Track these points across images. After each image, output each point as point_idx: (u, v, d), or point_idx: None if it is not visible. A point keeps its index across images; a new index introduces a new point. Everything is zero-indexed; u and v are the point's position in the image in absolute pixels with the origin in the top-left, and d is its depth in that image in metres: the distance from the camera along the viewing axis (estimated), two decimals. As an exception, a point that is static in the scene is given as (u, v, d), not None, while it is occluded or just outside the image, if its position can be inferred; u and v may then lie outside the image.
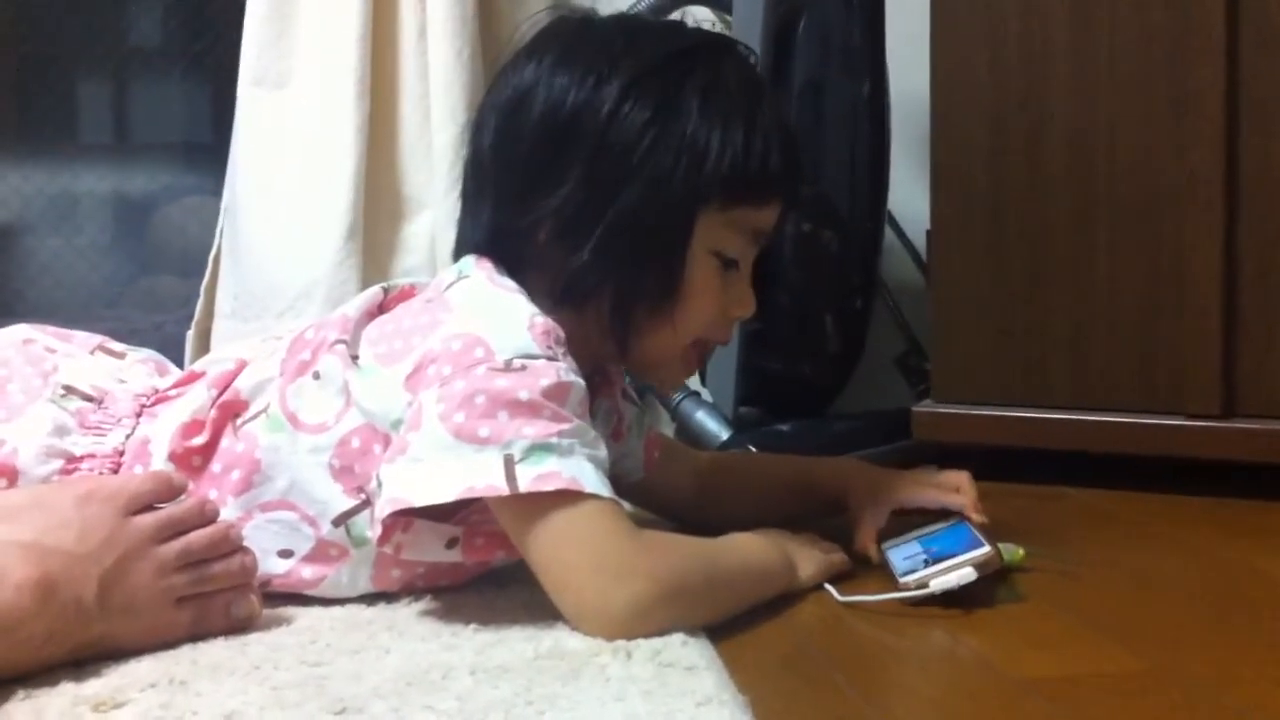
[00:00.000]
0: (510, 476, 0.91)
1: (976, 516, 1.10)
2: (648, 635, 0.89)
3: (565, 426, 0.94)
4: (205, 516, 0.95)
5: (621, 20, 1.19)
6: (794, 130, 1.10)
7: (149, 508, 0.93)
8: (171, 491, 0.96)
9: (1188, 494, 1.42)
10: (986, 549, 1.01)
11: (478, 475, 0.91)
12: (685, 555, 0.96)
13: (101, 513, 0.90)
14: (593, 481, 0.93)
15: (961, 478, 1.16)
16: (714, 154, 1.01)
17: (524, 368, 0.94)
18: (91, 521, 0.90)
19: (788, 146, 1.06)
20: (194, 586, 0.93)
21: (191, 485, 1.00)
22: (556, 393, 0.94)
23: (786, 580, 1.03)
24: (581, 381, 0.97)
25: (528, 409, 0.93)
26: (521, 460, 0.91)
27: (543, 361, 0.95)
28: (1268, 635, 0.97)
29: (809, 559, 1.06)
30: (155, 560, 0.91)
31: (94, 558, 0.88)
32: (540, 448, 0.92)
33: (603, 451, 0.97)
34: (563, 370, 0.96)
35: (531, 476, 0.91)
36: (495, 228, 1.05)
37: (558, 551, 0.93)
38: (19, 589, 0.83)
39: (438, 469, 0.92)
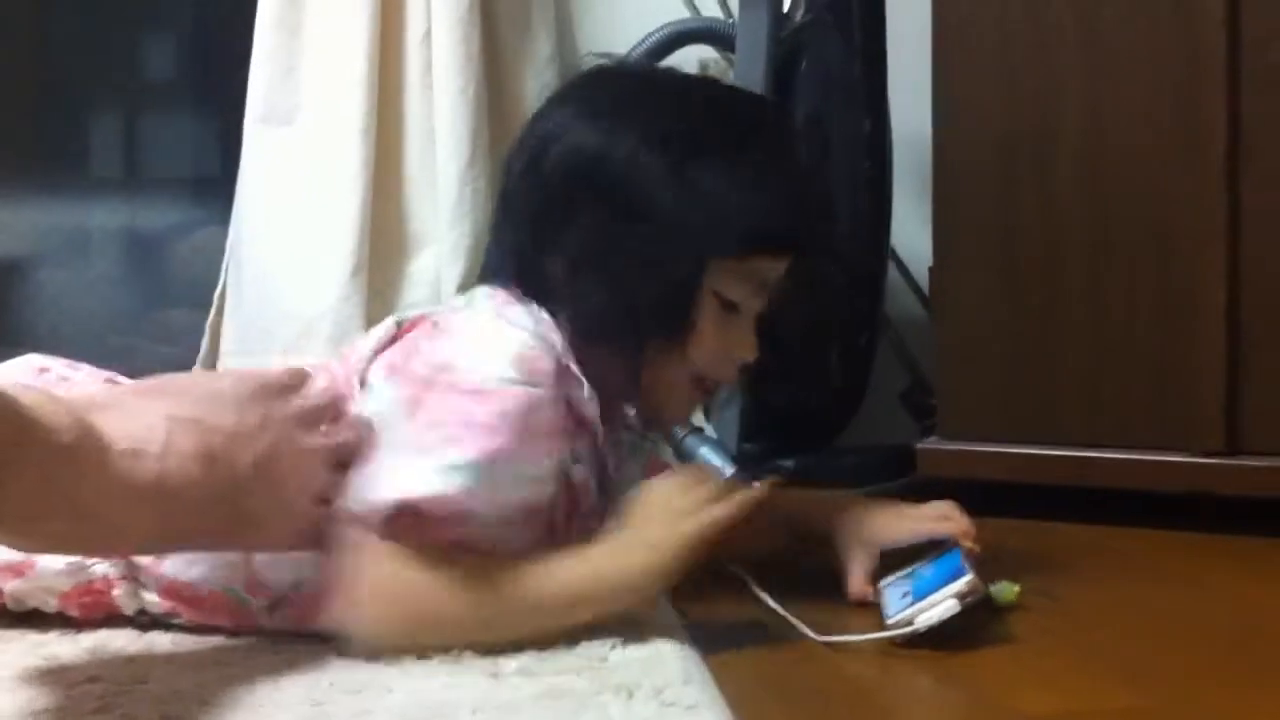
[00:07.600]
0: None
1: (969, 543, 1.10)
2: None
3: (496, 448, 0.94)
4: (338, 410, 1.01)
5: (659, 74, 1.27)
6: (821, 191, 1.12)
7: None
8: (302, 382, 1.01)
9: (1194, 530, 1.41)
10: (969, 577, 1.00)
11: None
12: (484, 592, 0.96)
13: (255, 397, 0.95)
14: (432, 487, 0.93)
15: (947, 506, 1.16)
16: (733, 212, 1.03)
17: (489, 392, 0.96)
18: (247, 405, 0.93)
19: (809, 208, 1.09)
20: (332, 491, 0.97)
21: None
22: (516, 418, 0.95)
23: (640, 570, 0.98)
24: (554, 413, 0.98)
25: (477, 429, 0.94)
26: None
27: (519, 388, 0.96)
28: (1273, 672, 0.97)
29: (667, 524, 1.00)
30: (301, 447, 0.95)
31: (249, 437, 0.92)
32: (459, 469, 0.93)
33: (540, 488, 0.98)
34: (535, 396, 0.97)
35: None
36: (518, 259, 1.08)
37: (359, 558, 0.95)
38: (183, 457, 0.87)
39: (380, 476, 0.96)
